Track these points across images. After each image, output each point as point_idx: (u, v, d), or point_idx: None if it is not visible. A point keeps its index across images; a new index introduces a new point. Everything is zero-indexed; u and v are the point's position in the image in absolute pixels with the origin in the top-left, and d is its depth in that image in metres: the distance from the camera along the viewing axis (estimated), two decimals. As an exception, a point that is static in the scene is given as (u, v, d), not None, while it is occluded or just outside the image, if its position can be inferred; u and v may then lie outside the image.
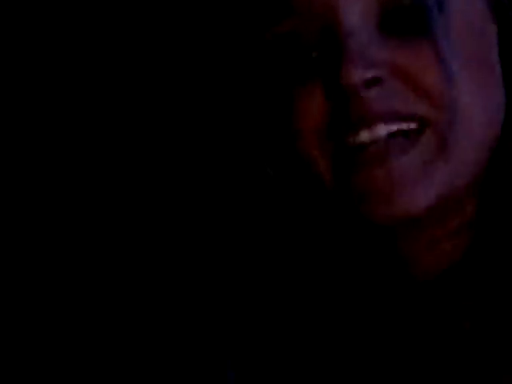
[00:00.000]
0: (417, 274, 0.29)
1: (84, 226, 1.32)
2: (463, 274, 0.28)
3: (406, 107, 0.27)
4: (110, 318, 1.27)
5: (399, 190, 0.26)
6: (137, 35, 1.37)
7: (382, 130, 0.26)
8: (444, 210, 0.28)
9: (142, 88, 1.38)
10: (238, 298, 0.38)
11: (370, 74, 0.25)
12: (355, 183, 0.27)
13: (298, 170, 0.29)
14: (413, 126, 0.27)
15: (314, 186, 0.28)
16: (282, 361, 0.32)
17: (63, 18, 1.29)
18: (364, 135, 0.26)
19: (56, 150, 1.32)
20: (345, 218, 0.28)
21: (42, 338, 1.22)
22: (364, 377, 0.29)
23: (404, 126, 0.27)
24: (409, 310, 0.29)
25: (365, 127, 0.26)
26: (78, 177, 1.32)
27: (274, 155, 0.32)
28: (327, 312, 0.31)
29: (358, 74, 0.25)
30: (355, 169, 0.27)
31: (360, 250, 0.30)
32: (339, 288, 0.31)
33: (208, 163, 1.28)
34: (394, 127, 0.26)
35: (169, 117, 1.43)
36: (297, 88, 0.27)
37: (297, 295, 0.32)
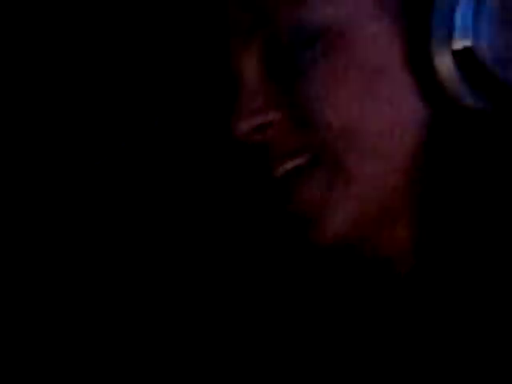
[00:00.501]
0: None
1: (84, 225, 1.32)
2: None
3: (300, 143, 0.28)
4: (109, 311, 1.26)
5: (310, 223, 0.28)
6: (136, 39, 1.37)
7: (288, 164, 0.28)
8: (369, 231, 0.29)
9: (140, 88, 1.37)
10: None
11: (256, 122, 0.27)
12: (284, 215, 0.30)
13: None
14: (309, 158, 0.28)
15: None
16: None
17: (63, 18, 1.28)
18: (278, 170, 0.28)
19: (55, 149, 1.32)
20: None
21: (42, 338, 1.21)
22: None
23: (300, 160, 0.28)
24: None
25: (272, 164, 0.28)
26: (78, 175, 1.32)
27: None
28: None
29: (244, 125, 0.27)
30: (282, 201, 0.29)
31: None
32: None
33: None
34: (290, 164, 0.28)
35: (166, 116, 1.42)
36: None
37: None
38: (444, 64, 0.26)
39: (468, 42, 0.26)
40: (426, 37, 0.27)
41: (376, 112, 0.28)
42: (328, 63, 0.27)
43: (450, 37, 0.26)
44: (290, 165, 0.28)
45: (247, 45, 0.29)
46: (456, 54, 0.26)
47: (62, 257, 1.33)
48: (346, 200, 0.28)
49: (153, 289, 1.25)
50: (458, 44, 0.26)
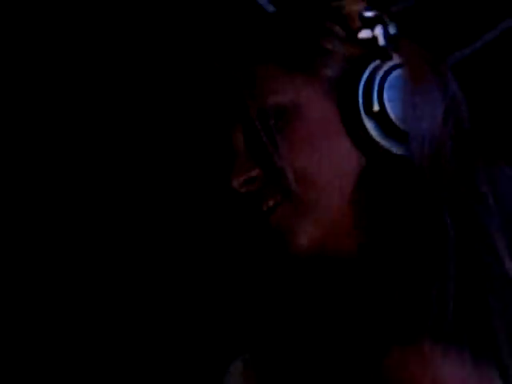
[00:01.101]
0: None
1: (84, 226, 1.33)
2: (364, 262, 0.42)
3: (273, 188, 0.41)
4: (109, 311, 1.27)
5: (287, 239, 0.42)
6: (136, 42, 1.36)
7: (270, 202, 0.42)
8: (332, 238, 0.42)
9: (141, 89, 1.37)
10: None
11: (243, 178, 0.41)
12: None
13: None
14: (278, 198, 0.41)
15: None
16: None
17: (63, 18, 1.28)
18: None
19: (56, 151, 1.33)
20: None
21: (42, 338, 1.23)
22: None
23: (276, 199, 0.41)
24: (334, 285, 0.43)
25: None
26: (78, 177, 1.33)
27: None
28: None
29: (236, 181, 0.41)
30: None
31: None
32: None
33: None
34: (271, 202, 0.42)
35: (167, 120, 1.41)
36: None
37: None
38: (370, 123, 0.40)
39: (377, 107, 0.40)
40: (356, 107, 0.40)
41: (322, 165, 0.41)
42: (287, 133, 0.41)
43: (370, 104, 0.40)
44: (271, 203, 0.42)
45: (235, 130, 0.43)
46: (375, 116, 0.40)
47: (62, 257, 1.34)
48: (307, 222, 0.41)
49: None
50: (376, 108, 0.40)
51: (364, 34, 0.42)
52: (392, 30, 0.43)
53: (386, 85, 0.40)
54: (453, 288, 0.38)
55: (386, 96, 0.40)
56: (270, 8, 0.59)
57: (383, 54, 0.42)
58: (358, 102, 0.40)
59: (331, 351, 0.41)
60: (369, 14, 0.43)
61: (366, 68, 0.41)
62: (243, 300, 0.53)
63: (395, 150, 0.41)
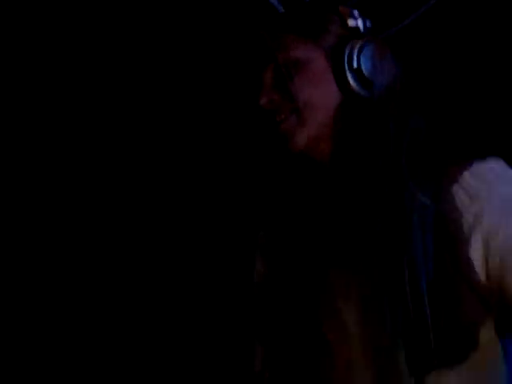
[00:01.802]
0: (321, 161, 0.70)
1: (84, 226, 1.31)
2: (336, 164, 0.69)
3: (286, 107, 0.68)
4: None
5: (289, 140, 0.68)
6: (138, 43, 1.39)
7: (282, 115, 0.68)
8: (318, 139, 0.68)
9: (142, 90, 1.37)
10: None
11: (268, 98, 0.68)
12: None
13: None
14: (288, 114, 0.67)
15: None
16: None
17: (63, 18, 1.28)
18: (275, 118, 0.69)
19: (56, 151, 1.32)
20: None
21: (42, 338, 1.21)
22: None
23: (284, 114, 0.68)
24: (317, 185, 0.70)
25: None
26: (79, 177, 1.32)
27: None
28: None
29: (264, 99, 0.68)
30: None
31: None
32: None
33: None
34: (283, 115, 0.68)
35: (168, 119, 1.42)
36: None
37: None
38: (350, 75, 0.66)
39: (356, 65, 0.66)
40: (342, 65, 0.67)
41: (318, 96, 0.68)
42: (299, 75, 0.67)
43: (351, 63, 0.67)
44: (283, 116, 0.68)
45: (267, 70, 0.69)
46: (354, 70, 0.66)
47: (62, 256, 1.33)
48: (303, 130, 0.67)
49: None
50: (355, 65, 0.66)
51: (351, 23, 0.71)
52: (368, 23, 0.72)
53: (362, 53, 0.67)
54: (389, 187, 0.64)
55: (361, 59, 0.67)
56: (280, 8, 0.80)
57: (361, 35, 0.70)
58: (344, 61, 0.68)
59: (317, 227, 0.69)
60: (355, 12, 0.72)
61: (350, 42, 0.68)
62: (257, 192, 0.89)
63: (363, 92, 0.68)
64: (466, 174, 0.62)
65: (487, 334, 0.61)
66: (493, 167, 0.63)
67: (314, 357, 0.66)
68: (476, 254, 0.59)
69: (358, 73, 0.67)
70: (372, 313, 0.61)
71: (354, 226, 0.65)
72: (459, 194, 0.61)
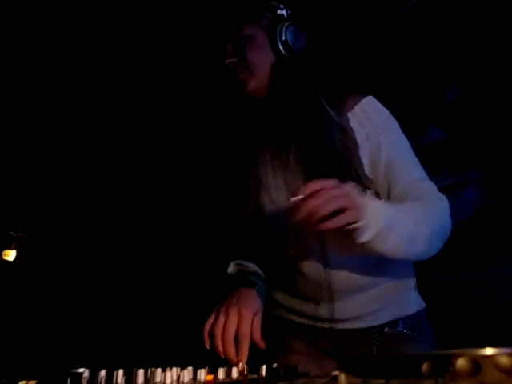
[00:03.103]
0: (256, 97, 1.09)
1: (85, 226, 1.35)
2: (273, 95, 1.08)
3: (241, 66, 1.09)
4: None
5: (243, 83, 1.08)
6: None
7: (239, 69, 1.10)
8: (261, 84, 1.08)
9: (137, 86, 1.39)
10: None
11: (230, 60, 1.10)
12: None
13: None
14: (242, 70, 1.08)
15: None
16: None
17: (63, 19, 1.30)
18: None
19: (58, 152, 1.35)
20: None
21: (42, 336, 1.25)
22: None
23: (240, 70, 1.08)
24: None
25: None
26: (79, 178, 1.36)
27: None
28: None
29: (228, 61, 1.10)
30: None
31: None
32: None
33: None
34: (238, 71, 1.08)
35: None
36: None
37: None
38: (280, 45, 1.08)
39: (284, 38, 1.10)
40: (275, 37, 1.09)
41: (261, 57, 1.08)
42: (248, 45, 1.08)
43: (281, 36, 1.11)
44: (239, 71, 1.08)
45: (228, 43, 1.10)
46: (282, 41, 1.10)
47: (62, 256, 1.38)
48: (253, 80, 1.07)
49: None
50: (283, 38, 1.10)
51: (279, 12, 1.11)
52: (288, 12, 1.12)
53: (288, 30, 1.08)
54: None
55: (287, 34, 1.07)
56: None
57: (286, 20, 1.09)
58: (276, 35, 1.07)
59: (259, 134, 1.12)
60: (281, 5, 1.12)
61: (280, 23, 1.08)
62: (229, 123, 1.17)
63: (287, 54, 1.07)
64: (357, 107, 1.05)
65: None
66: (370, 102, 1.07)
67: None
68: (364, 158, 1.01)
69: (284, 42, 1.07)
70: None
71: (284, 127, 1.06)
72: (353, 120, 1.03)
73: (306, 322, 1.11)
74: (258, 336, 0.90)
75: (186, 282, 3.73)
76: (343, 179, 0.86)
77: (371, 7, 2.36)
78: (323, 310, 1.06)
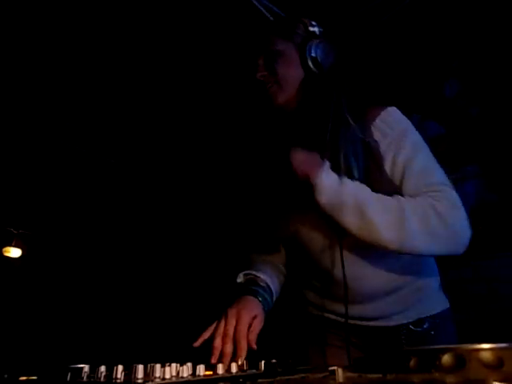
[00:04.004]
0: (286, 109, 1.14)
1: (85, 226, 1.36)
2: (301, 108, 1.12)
3: (271, 80, 1.14)
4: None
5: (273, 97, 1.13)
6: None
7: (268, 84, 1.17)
8: (290, 98, 1.12)
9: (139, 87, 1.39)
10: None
11: (261, 73, 1.14)
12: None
13: None
14: (272, 83, 1.13)
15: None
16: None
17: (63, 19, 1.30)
18: None
19: (57, 151, 1.35)
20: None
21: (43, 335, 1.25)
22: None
23: (271, 84, 1.14)
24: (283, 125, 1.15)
25: None
26: (79, 178, 1.36)
27: None
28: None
29: (258, 74, 1.15)
30: None
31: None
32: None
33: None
34: (269, 84, 1.14)
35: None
36: None
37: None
38: (309, 60, 1.13)
39: (314, 54, 1.15)
40: (305, 53, 1.13)
41: (290, 73, 1.13)
42: (280, 60, 1.13)
43: (310, 53, 1.15)
44: (270, 84, 1.12)
45: (260, 57, 1.15)
46: (311, 58, 1.13)
47: (63, 256, 1.39)
48: (282, 93, 1.12)
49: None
50: (313, 54, 1.14)
51: (311, 29, 1.16)
52: (320, 29, 1.18)
53: (318, 47, 1.12)
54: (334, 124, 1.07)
55: (316, 51, 1.12)
56: (270, 17, 1.31)
57: (317, 37, 1.15)
58: (306, 52, 1.12)
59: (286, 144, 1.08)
60: (313, 22, 1.18)
61: (310, 41, 1.13)
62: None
63: (316, 70, 1.12)
64: (378, 119, 1.09)
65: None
66: (392, 114, 1.10)
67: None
68: (387, 165, 1.05)
69: (314, 59, 1.12)
70: None
71: (311, 140, 1.08)
72: (375, 132, 1.08)
73: (335, 318, 1.20)
74: (252, 337, 0.95)
75: (185, 279, 3.74)
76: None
77: (370, 3, 2.35)
78: (352, 311, 1.10)
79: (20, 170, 3.46)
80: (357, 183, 1.00)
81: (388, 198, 0.99)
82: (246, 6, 2.12)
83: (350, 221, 0.97)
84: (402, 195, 1.02)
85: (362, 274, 1.09)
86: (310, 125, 1.09)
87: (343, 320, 1.10)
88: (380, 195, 0.99)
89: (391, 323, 1.13)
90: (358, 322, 1.15)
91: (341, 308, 1.08)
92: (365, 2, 2.36)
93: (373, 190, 0.99)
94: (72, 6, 2.32)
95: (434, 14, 2.44)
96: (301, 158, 1.00)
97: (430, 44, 2.60)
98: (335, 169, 1.01)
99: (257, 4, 2.27)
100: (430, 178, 1.03)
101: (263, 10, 2.35)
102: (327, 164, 1.01)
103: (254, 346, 0.94)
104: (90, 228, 4.15)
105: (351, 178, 1.00)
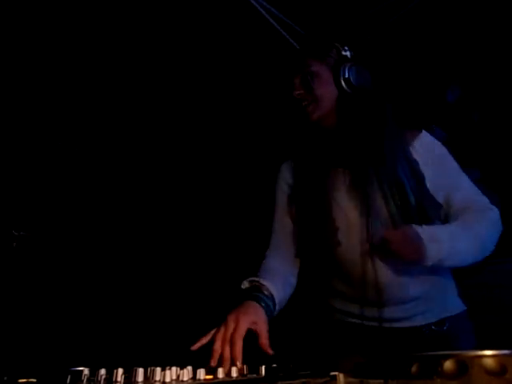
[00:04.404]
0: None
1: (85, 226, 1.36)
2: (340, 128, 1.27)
3: (308, 98, 1.29)
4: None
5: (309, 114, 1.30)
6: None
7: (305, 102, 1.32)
8: (325, 114, 1.27)
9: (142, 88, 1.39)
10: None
11: (298, 92, 1.30)
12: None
13: None
14: (309, 101, 1.28)
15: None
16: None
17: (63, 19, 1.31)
18: None
19: (57, 151, 1.36)
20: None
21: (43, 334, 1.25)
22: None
23: (307, 102, 1.28)
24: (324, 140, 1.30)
25: None
26: (79, 178, 1.36)
27: None
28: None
29: (296, 93, 1.30)
30: None
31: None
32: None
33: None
34: (306, 102, 1.29)
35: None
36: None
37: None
38: (343, 81, 1.27)
39: (347, 75, 1.31)
40: (339, 75, 1.28)
41: (326, 92, 1.27)
42: (315, 80, 1.27)
43: (344, 74, 1.29)
44: (307, 102, 1.27)
45: (297, 77, 1.30)
46: (345, 79, 1.28)
47: (62, 256, 1.38)
48: (319, 111, 1.26)
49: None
50: (346, 75, 1.29)
51: (343, 53, 1.29)
52: (352, 53, 1.30)
53: (350, 69, 1.25)
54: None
55: (350, 72, 1.25)
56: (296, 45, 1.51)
57: (349, 60, 1.28)
58: (340, 74, 1.26)
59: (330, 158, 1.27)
60: (346, 47, 1.30)
61: (343, 63, 1.26)
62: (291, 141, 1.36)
63: (350, 91, 1.25)
64: (415, 142, 1.23)
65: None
66: (426, 136, 1.26)
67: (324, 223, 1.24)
68: (429, 183, 1.18)
69: (347, 80, 1.25)
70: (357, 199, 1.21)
71: (350, 159, 1.22)
72: (414, 153, 1.21)
73: (359, 322, 1.27)
74: (263, 341, 0.97)
75: (187, 283, 3.73)
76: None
77: (373, 8, 2.35)
78: (380, 314, 1.19)
79: (20, 169, 3.46)
80: (443, 231, 1.12)
81: (464, 226, 1.14)
82: (245, 5, 2.14)
83: (451, 264, 1.14)
84: (445, 210, 1.20)
85: (396, 281, 1.16)
86: (354, 139, 1.22)
87: (366, 322, 1.22)
88: (458, 228, 1.14)
89: (415, 324, 1.21)
90: (380, 324, 1.21)
91: (370, 312, 1.20)
92: (363, 9, 2.37)
93: (426, 213, 1.15)
94: (72, 5, 2.33)
95: (435, 22, 2.45)
96: (398, 239, 1.07)
97: (432, 49, 2.61)
98: (389, 184, 1.16)
99: (258, 7, 2.28)
100: (468, 192, 1.22)
101: (263, 12, 2.37)
102: (425, 236, 1.08)
103: (270, 351, 0.94)
104: (91, 232, 4.15)
105: (403, 194, 1.15)
